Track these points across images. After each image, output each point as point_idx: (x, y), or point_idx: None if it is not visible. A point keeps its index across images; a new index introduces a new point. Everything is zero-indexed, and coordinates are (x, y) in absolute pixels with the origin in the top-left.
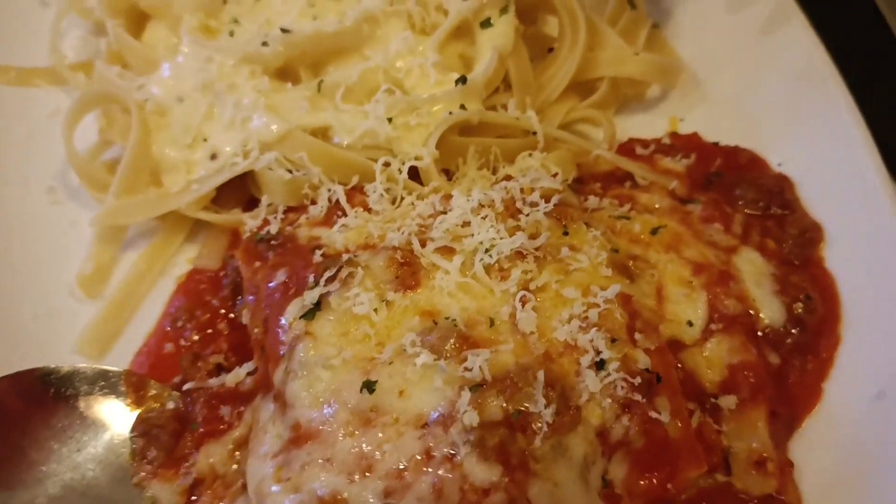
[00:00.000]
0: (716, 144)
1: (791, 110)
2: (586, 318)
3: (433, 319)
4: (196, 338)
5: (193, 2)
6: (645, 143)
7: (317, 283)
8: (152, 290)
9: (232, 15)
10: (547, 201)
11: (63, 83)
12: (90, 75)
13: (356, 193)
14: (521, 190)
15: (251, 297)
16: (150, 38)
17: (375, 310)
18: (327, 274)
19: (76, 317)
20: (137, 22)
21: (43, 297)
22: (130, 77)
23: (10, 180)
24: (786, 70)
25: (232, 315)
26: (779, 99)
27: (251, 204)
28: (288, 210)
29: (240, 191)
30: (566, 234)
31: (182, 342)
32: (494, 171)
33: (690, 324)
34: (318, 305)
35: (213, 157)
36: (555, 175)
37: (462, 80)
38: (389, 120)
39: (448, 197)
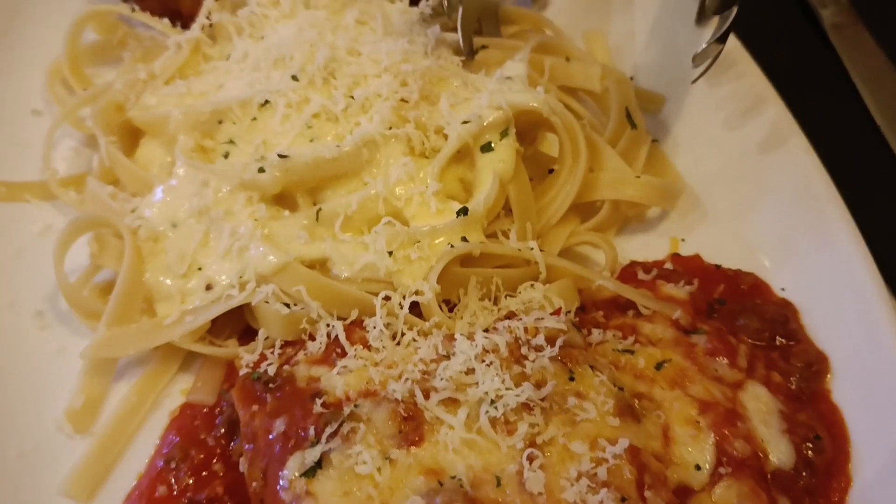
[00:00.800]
0: (718, 268)
1: (791, 233)
2: (595, 475)
3: (438, 479)
4: (190, 480)
5: (189, 122)
6: (647, 268)
7: (318, 439)
8: (144, 425)
9: (228, 135)
10: (552, 344)
11: (54, 198)
12: (82, 191)
13: (355, 328)
14: (526, 329)
15: (249, 446)
16: (144, 155)
17: (379, 469)
18: (329, 430)
19: (64, 454)
20: (131, 136)
21: (29, 433)
22: (123, 198)
23: None
24: (785, 191)
25: (228, 452)
26: (779, 221)
27: (247, 332)
28: (285, 345)
29: (235, 318)
30: (572, 379)
31: (175, 484)
32: (496, 301)
33: (698, 467)
34: (319, 463)
35: (209, 287)
36: (558, 311)
37: (464, 211)
38: (390, 253)
39: (451, 338)
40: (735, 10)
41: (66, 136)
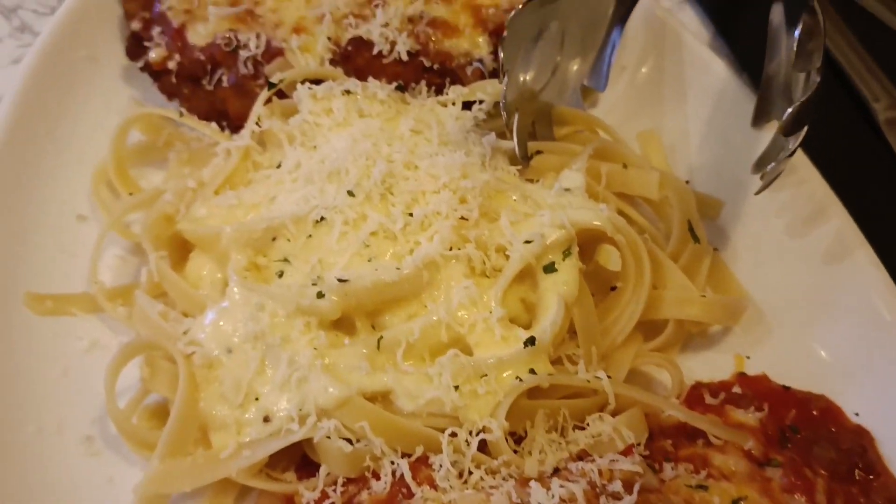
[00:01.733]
0: (787, 389)
1: (861, 351)
2: None
3: None
4: None
5: (242, 239)
6: (714, 391)
7: None
8: None
9: (282, 253)
10: (629, 489)
11: (101, 311)
12: (129, 304)
13: (421, 466)
14: (600, 472)
15: None
16: (194, 270)
17: None
18: None
19: None
20: (181, 248)
21: None
22: (175, 318)
23: (45, 427)
24: (852, 307)
25: None
26: (847, 338)
27: (305, 463)
28: (348, 482)
29: (292, 448)
30: None
31: None
32: (563, 433)
33: None
34: None
35: (266, 419)
36: (629, 448)
37: (530, 340)
38: (456, 387)
39: (523, 482)
40: (805, 130)
41: (111, 243)
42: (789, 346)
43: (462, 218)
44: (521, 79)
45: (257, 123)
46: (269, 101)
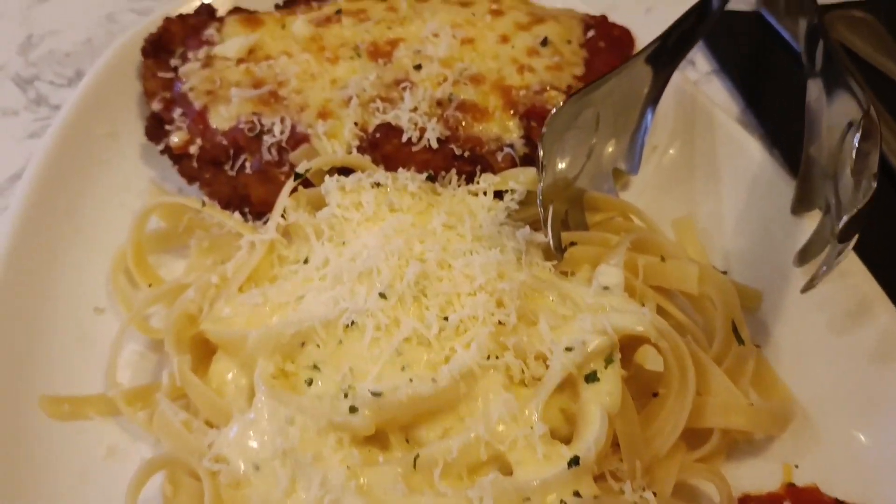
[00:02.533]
0: (839, 503)
1: None
2: None
3: None
4: None
5: (269, 344)
6: None
7: None
8: None
9: (312, 359)
10: None
11: (119, 413)
12: (149, 406)
13: None
14: None
15: None
16: (218, 373)
17: None
18: None
19: None
20: (205, 348)
21: None
22: (199, 428)
23: None
24: None
25: None
26: None
27: None
28: None
29: None
30: None
31: None
32: None
33: None
34: None
35: None
36: None
37: (574, 461)
38: None
39: None
40: (857, 236)
41: (130, 338)
42: (839, 454)
43: (499, 322)
44: (557, 167)
45: (282, 215)
46: (294, 190)
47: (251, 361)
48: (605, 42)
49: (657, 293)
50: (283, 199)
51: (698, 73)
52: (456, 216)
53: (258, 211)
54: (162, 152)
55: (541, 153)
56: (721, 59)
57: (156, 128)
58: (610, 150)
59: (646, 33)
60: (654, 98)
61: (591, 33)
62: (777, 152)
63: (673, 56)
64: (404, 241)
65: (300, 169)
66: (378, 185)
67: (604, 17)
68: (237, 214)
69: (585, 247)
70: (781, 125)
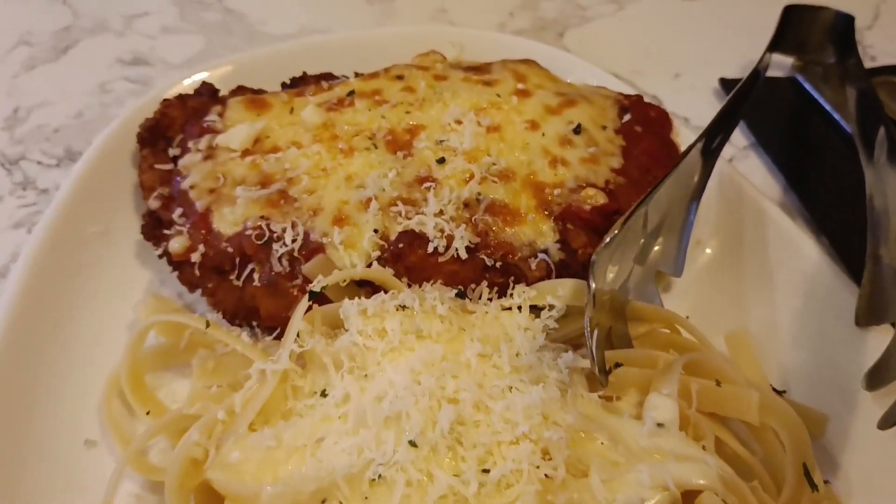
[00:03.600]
0: None
1: None
2: None
3: None
4: None
5: (286, 502)
6: None
7: None
8: None
9: None
10: None
11: None
12: None
13: None
14: None
15: None
16: None
17: None
18: None
19: None
20: (209, 494)
21: None
22: None
23: None
24: None
25: None
26: None
27: None
28: None
29: None
30: None
31: None
32: None
33: None
34: None
35: None
36: None
37: None
38: None
39: None
40: None
41: (126, 477)
42: None
43: (545, 476)
44: (604, 281)
45: (296, 341)
46: (309, 307)
47: None
48: (642, 125)
49: (713, 421)
50: (297, 323)
51: (734, 147)
52: (491, 342)
53: (267, 325)
54: (160, 256)
55: (592, 286)
56: (756, 132)
57: (153, 228)
58: (656, 250)
59: (675, 100)
60: (699, 190)
61: (626, 117)
62: (825, 240)
63: (719, 143)
64: (436, 380)
65: (315, 287)
66: (404, 307)
67: (639, 98)
68: (245, 334)
69: (631, 368)
70: (829, 212)
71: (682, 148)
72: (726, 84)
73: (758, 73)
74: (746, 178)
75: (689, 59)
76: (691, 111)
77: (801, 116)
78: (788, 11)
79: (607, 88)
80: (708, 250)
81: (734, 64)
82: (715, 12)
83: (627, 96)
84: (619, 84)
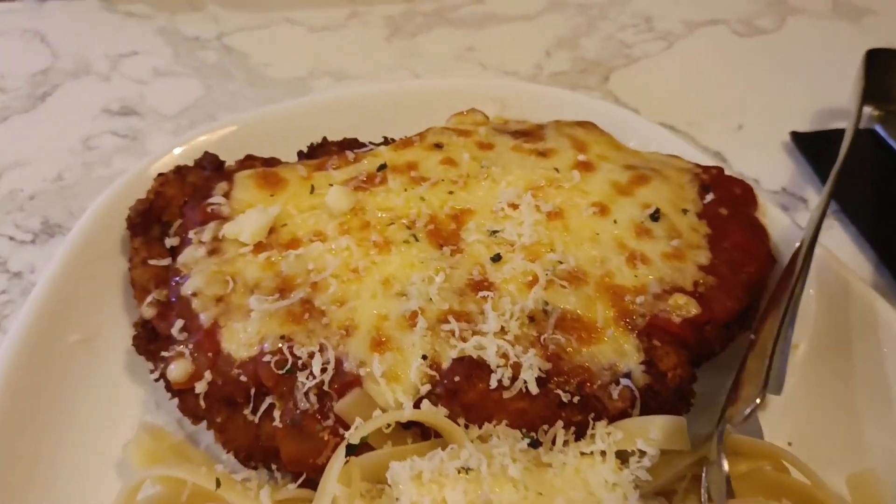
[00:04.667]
0: None
1: None
2: None
3: None
4: None
5: None
6: None
7: None
8: None
9: None
10: None
11: None
12: None
13: None
14: None
15: None
16: None
17: None
18: None
19: None
20: None
21: None
22: None
23: None
24: None
25: None
26: None
27: None
28: None
29: None
30: None
31: None
32: None
33: None
34: None
35: None
36: None
37: None
38: None
39: None
40: None
41: None
42: None
43: None
44: None
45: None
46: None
47: None
48: (727, 206)
49: None
50: (332, 487)
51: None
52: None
53: (289, 470)
54: (156, 379)
55: (724, 466)
56: (838, 197)
57: (147, 342)
58: (753, 364)
59: (741, 158)
60: (800, 287)
61: (708, 196)
62: None
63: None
64: None
65: (353, 438)
66: (467, 470)
67: (720, 171)
68: (263, 474)
69: None
70: None
71: (769, 229)
72: (799, 139)
73: (860, 134)
74: (850, 268)
75: (752, 106)
76: (760, 171)
77: (885, 175)
78: (871, 56)
79: (681, 158)
80: (809, 359)
81: (802, 110)
82: (775, 50)
83: (706, 168)
84: (693, 151)
